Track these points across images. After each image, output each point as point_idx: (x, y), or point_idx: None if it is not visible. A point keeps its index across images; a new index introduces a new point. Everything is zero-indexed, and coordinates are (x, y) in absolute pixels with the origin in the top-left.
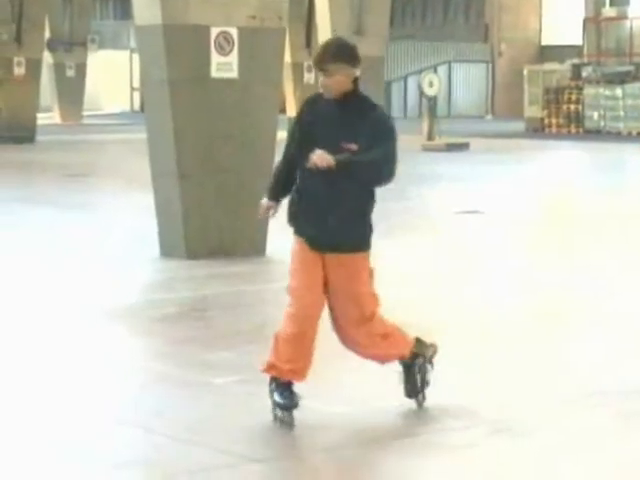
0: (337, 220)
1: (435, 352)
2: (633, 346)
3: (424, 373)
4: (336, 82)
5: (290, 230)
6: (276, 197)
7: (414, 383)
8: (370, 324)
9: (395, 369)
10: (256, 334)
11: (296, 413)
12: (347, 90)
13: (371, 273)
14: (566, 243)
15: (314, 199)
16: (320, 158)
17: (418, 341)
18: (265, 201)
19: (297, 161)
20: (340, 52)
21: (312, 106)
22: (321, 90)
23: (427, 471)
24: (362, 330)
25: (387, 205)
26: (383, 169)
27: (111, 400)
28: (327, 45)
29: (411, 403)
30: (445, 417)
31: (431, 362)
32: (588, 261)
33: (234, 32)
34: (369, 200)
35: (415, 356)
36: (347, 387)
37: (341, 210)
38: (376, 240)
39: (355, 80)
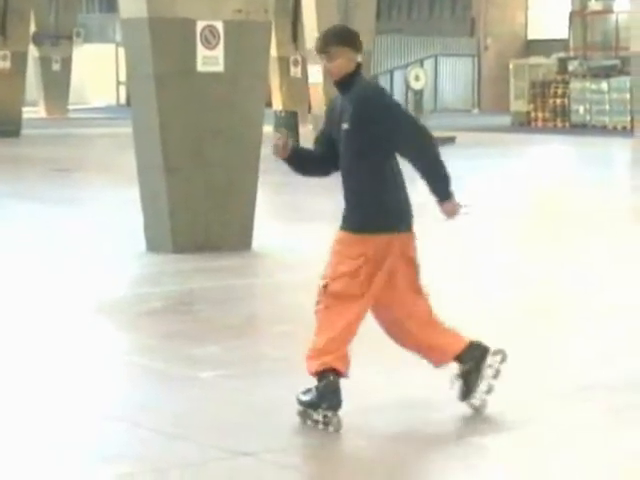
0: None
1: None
2: (623, 341)
3: (324, 397)
4: (337, 66)
5: (275, 225)
6: None
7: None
8: (326, 296)
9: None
10: (243, 328)
11: (288, 407)
12: (347, 73)
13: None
14: (555, 237)
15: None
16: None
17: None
18: None
19: None
20: (343, 35)
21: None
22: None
23: (415, 465)
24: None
25: None
26: (425, 148)
27: (97, 394)
28: (330, 29)
29: (401, 397)
30: (434, 412)
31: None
32: (577, 255)
33: (220, 26)
34: (376, 185)
35: (330, 371)
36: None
37: (351, 193)
38: None
39: (358, 65)
